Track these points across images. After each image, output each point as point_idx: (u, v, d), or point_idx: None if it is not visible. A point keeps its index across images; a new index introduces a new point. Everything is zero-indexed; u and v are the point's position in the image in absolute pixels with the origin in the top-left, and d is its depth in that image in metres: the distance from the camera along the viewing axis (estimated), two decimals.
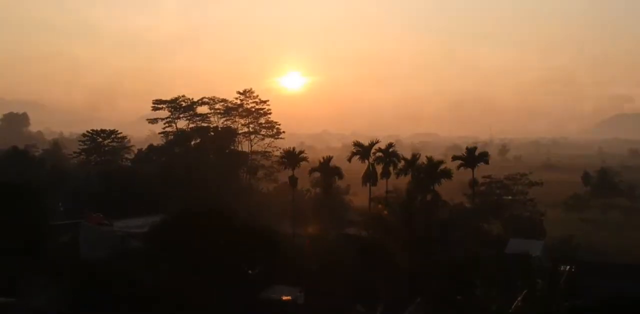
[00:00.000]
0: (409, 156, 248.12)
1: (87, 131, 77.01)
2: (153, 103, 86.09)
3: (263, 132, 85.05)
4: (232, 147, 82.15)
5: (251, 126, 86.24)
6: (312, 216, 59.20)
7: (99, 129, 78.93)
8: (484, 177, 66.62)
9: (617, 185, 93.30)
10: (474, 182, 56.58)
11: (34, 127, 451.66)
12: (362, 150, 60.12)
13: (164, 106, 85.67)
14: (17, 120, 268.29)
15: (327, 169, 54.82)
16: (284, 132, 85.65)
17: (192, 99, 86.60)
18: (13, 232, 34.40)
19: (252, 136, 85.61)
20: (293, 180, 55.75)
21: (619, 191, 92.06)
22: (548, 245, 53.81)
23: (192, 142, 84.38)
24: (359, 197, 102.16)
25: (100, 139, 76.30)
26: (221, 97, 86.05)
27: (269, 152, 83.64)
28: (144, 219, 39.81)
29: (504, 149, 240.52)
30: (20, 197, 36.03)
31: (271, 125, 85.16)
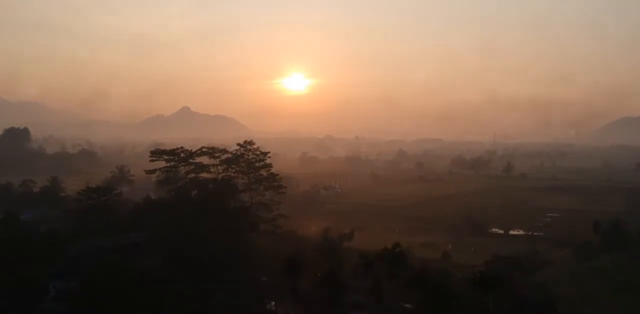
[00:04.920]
0: (412, 167, 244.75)
1: (82, 190, 75.21)
2: (151, 154, 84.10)
3: (264, 183, 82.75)
4: (232, 202, 79.88)
5: (251, 175, 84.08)
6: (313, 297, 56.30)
7: (93, 187, 76.93)
8: (492, 257, 63.18)
9: (628, 234, 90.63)
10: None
11: (37, 132, 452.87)
12: (366, 261, 54.82)
13: (163, 156, 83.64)
14: (18, 135, 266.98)
15: (331, 283, 49.15)
16: (285, 187, 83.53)
17: (191, 150, 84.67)
18: None
19: (253, 187, 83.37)
20: (295, 293, 52.25)
21: (631, 241, 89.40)
22: None
23: (193, 193, 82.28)
24: (366, 235, 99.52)
25: (96, 196, 74.26)
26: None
27: (270, 204, 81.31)
28: None
29: (508, 166, 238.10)
30: None
31: (272, 177, 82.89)
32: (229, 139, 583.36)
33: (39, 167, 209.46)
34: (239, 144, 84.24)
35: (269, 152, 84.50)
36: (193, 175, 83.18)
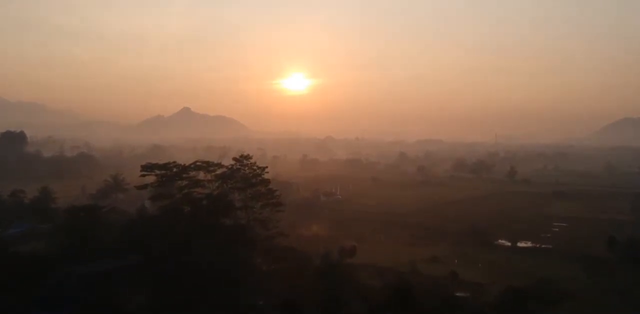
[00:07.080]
0: (414, 171, 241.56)
1: (68, 209, 71.44)
2: (142, 168, 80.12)
3: (262, 200, 78.79)
4: (228, 219, 75.98)
5: (248, 191, 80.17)
6: None
7: (79, 206, 73.15)
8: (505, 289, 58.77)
9: None
10: None
11: (36, 132, 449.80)
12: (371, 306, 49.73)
13: (155, 171, 79.61)
14: (15, 138, 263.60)
15: None
16: (284, 205, 79.59)
17: (184, 164, 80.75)
18: None
19: (250, 204, 79.39)
20: None
21: None
22: None
23: (186, 210, 78.36)
24: (368, 247, 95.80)
25: (83, 215, 70.53)
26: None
27: (267, 222, 77.39)
28: None
29: (512, 171, 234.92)
30: None
31: (270, 194, 78.90)
32: (229, 140, 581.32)
33: (36, 171, 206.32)
34: (234, 159, 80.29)
35: (266, 167, 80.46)
36: (186, 191, 79.12)
